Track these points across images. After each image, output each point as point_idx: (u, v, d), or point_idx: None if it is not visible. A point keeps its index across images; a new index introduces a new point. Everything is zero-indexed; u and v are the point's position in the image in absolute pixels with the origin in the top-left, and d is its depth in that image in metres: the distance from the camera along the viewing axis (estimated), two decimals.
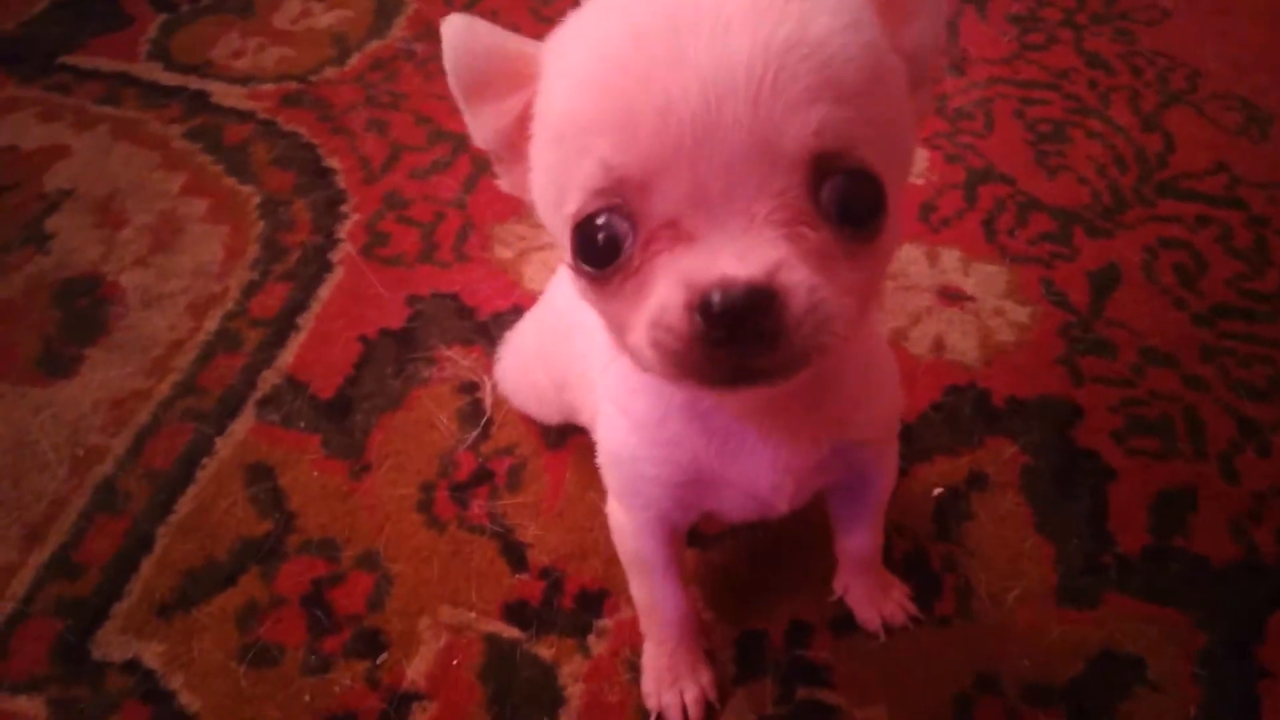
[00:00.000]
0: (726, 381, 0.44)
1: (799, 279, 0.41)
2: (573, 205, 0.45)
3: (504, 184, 0.55)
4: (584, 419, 0.80)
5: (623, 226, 0.44)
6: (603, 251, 0.44)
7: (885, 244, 0.46)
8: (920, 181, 1.28)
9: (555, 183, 0.47)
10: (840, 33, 0.42)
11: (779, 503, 0.65)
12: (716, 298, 0.40)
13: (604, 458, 0.70)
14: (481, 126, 0.52)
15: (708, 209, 0.42)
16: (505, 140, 0.52)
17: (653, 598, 0.80)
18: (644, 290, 0.44)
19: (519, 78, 0.49)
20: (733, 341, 0.41)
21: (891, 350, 0.71)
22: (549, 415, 0.96)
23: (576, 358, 0.75)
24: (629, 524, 0.74)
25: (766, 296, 0.40)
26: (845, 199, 0.43)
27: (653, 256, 0.43)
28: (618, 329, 0.47)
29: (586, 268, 0.46)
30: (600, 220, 0.44)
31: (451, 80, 0.51)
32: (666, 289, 0.42)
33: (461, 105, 0.52)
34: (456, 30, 0.50)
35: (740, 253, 0.41)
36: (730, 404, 0.59)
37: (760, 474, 0.62)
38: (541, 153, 0.49)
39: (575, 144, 0.44)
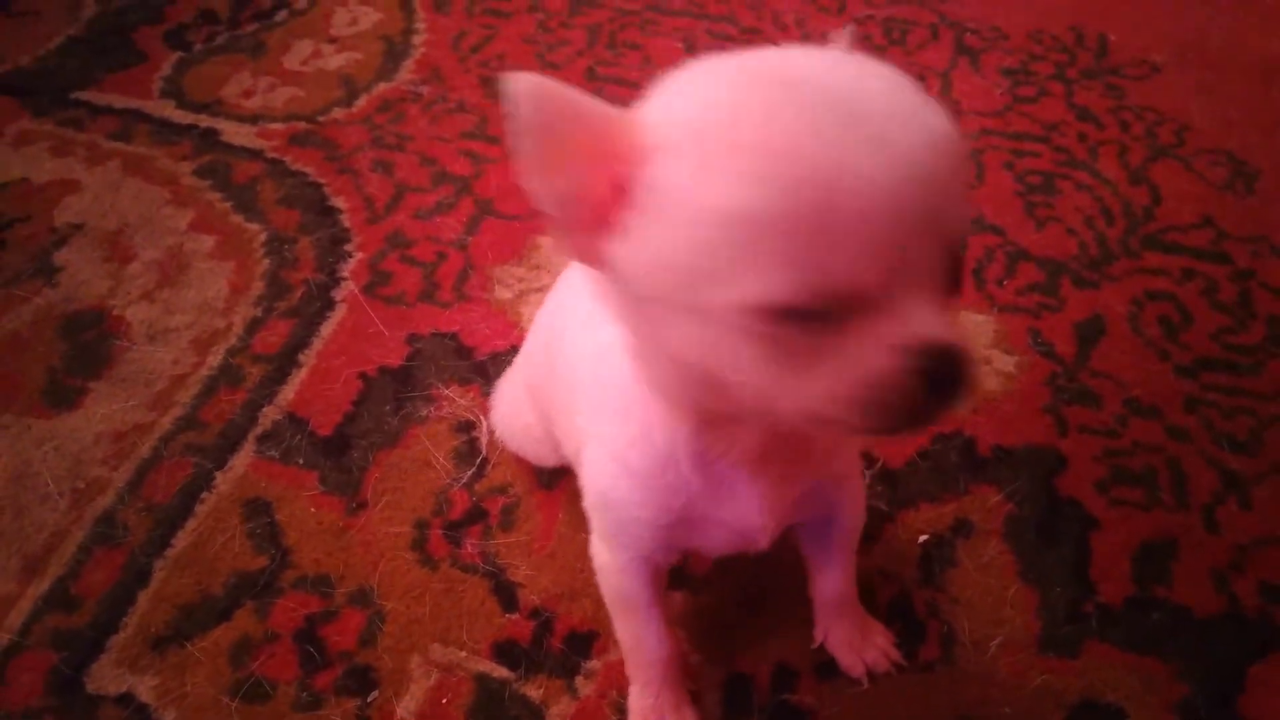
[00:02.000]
0: (917, 426, 0.50)
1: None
2: (747, 291, 0.44)
3: (565, 250, 0.52)
4: (568, 451, 0.80)
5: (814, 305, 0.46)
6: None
7: None
8: None
9: (699, 265, 0.46)
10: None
11: (762, 539, 0.70)
12: (936, 357, 0.46)
13: (591, 499, 0.72)
14: (556, 193, 0.48)
15: (896, 282, 0.46)
16: (585, 209, 0.49)
17: (636, 636, 0.82)
18: (830, 354, 0.47)
19: (604, 142, 0.47)
20: (941, 393, 0.48)
21: None
22: (544, 457, 0.98)
23: (560, 386, 0.76)
24: (612, 563, 0.76)
25: (963, 353, 0.48)
26: (956, 272, 0.50)
27: (843, 322, 0.46)
28: (776, 391, 0.48)
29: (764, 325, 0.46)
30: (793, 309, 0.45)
31: (527, 142, 0.47)
32: (876, 354, 0.46)
33: (534, 169, 0.48)
34: (530, 89, 0.46)
35: (934, 321, 0.47)
36: (748, 451, 0.62)
37: (748, 514, 0.67)
38: (674, 233, 0.46)
39: (752, 237, 0.44)
